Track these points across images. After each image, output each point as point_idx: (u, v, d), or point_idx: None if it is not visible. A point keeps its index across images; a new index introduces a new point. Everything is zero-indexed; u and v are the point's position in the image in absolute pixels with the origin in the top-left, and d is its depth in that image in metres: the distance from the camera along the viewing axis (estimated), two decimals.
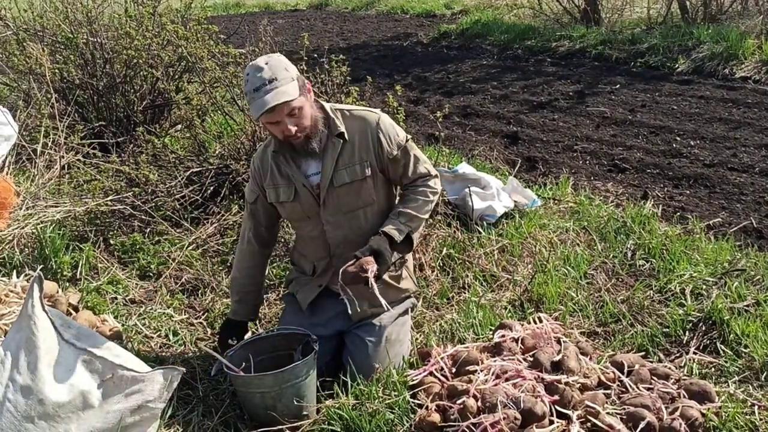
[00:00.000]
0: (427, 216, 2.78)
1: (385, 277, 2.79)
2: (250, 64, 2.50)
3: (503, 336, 2.68)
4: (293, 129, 2.51)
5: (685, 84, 8.05)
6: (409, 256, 2.98)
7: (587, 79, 8.61)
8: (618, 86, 8.17)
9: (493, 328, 2.96)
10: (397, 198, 2.94)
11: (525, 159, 6.22)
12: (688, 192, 5.30)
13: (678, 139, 6.40)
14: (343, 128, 2.67)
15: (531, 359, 2.60)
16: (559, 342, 2.71)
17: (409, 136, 2.82)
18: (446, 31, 12.20)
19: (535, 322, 2.92)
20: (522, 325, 2.81)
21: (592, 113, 7.30)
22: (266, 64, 2.45)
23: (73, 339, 2.26)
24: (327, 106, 2.72)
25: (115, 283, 3.41)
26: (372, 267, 2.54)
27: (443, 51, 11.14)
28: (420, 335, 3.06)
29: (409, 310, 2.96)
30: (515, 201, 4.24)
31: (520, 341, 2.70)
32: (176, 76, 5.56)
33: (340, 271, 2.55)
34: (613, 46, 9.69)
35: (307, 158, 2.68)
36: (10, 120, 4.55)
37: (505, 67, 9.68)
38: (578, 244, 3.89)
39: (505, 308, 3.24)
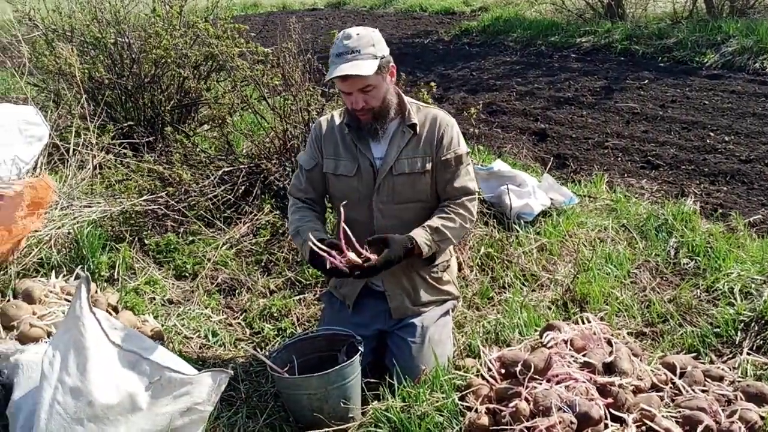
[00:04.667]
0: (456, 242, 2.76)
1: (427, 277, 2.75)
2: (342, 31, 2.52)
3: (552, 338, 2.61)
4: (361, 103, 2.53)
5: (715, 79, 7.91)
6: (453, 261, 2.93)
7: (613, 74, 8.50)
8: (646, 81, 8.05)
9: (538, 328, 2.89)
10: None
11: (555, 156, 6.13)
12: (725, 189, 5.19)
13: (711, 134, 6.29)
14: (416, 120, 2.67)
15: (582, 361, 2.53)
16: (609, 343, 2.64)
17: (469, 151, 2.78)
18: (467, 29, 12.12)
19: (582, 323, 2.85)
20: (569, 325, 2.74)
21: (621, 109, 7.20)
22: (357, 34, 2.47)
23: (120, 340, 2.23)
24: (405, 97, 2.73)
25: (152, 283, 3.39)
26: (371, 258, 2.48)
27: (465, 48, 11.05)
28: (462, 336, 3.00)
29: (450, 311, 2.90)
30: (551, 199, 4.17)
31: (569, 342, 2.63)
32: (204, 75, 5.53)
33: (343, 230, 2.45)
34: (639, 41, 9.56)
35: (374, 140, 2.67)
36: (43, 120, 4.54)
37: (529, 63, 9.58)
38: (618, 243, 3.81)
39: (549, 308, 3.17)
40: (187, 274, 3.56)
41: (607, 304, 3.17)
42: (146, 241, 3.72)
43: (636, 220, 4.07)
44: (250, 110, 4.71)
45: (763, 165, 5.50)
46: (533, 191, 4.08)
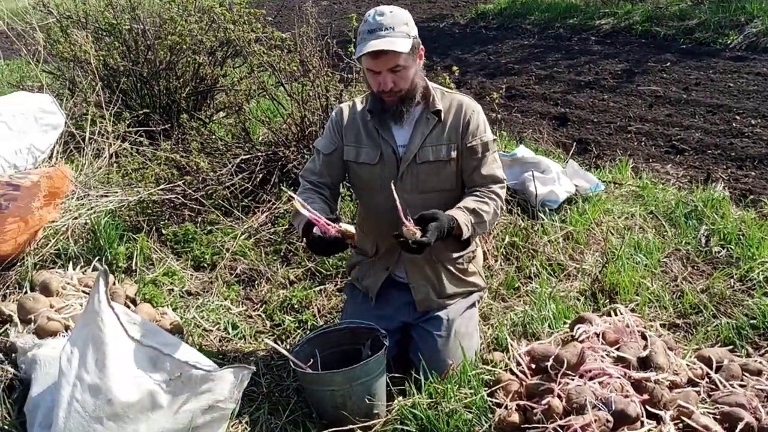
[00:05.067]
0: (489, 228, 2.64)
1: (452, 268, 2.66)
2: (374, 8, 2.41)
3: (584, 331, 2.52)
4: (389, 84, 2.42)
5: (740, 61, 7.71)
6: (479, 251, 2.83)
7: (635, 57, 8.31)
8: (668, 64, 7.87)
9: (567, 320, 2.80)
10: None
11: (576, 141, 6.00)
12: (753, 174, 5.05)
13: (737, 118, 6.13)
14: (440, 106, 2.57)
15: (615, 355, 2.44)
16: (643, 336, 2.55)
17: (496, 138, 2.68)
18: (483, 12, 11.91)
19: (613, 315, 2.76)
20: (601, 317, 2.64)
21: (643, 92, 7.04)
22: (390, 12, 2.38)
23: (139, 336, 2.16)
24: (430, 83, 2.63)
25: (171, 274, 3.32)
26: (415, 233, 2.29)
27: (482, 32, 10.87)
28: (489, 328, 2.91)
29: (476, 302, 2.81)
30: (576, 185, 4.06)
31: (601, 336, 2.54)
32: (220, 61, 5.45)
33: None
34: (660, 23, 9.35)
35: (397, 125, 2.57)
36: (59, 108, 4.48)
37: (548, 46, 9.40)
38: (646, 230, 3.70)
39: (577, 299, 3.08)
40: (205, 265, 3.49)
41: (637, 295, 3.07)
42: (164, 231, 3.65)
43: (664, 207, 3.95)
44: (267, 96, 4.63)
45: None
46: (558, 178, 3.97)
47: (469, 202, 2.53)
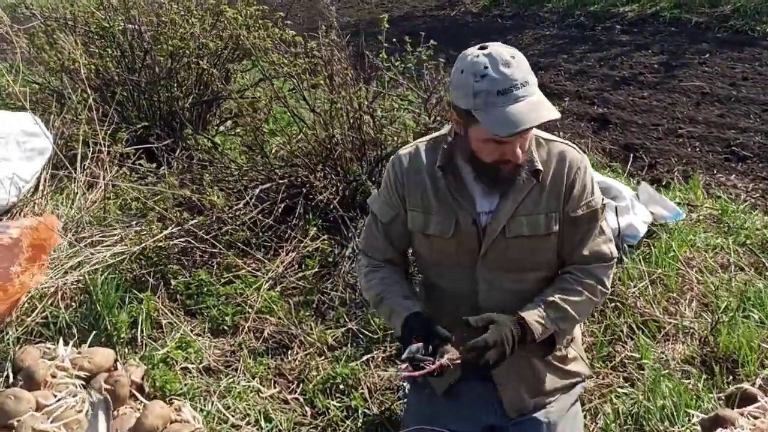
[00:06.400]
0: (583, 320, 2.06)
1: (549, 358, 2.06)
2: (486, 51, 1.73)
3: None
4: (520, 156, 1.81)
5: None
6: (578, 330, 2.23)
7: (669, 47, 7.70)
8: (707, 55, 7.26)
9: (689, 411, 2.22)
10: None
11: (621, 147, 5.42)
12: None
13: None
14: (539, 164, 1.92)
15: None
16: None
17: (606, 203, 2.08)
18: None
19: (744, 400, 2.19)
20: (744, 416, 2.07)
21: (687, 89, 6.44)
22: (513, 57, 1.72)
23: None
24: None
25: (185, 345, 2.73)
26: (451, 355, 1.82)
27: (497, 21, 10.22)
28: (587, 417, 2.33)
29: (579, 396, 2.21)
30: (652, 213, 3.47)
31: None
32: (224, 62, 4.83)
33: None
34: (690, 9, 8.73)
35: (480, 188, 1.93)
36: (44, 130, 3.87)
37: (572, 36, 8.77)
38: (745, 270, 3.12)
39: (688, 374, 2.49)
40: (225, 328, 2.90)
41: (763, 366, 2.49)
42: (173, 283, 3.06)
43: (757, 237, 3.38)
44: (284, 108, 4.01)
45: None
46: (632, 205, 3.38)
47: (550, 291, 1.97)
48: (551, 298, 1.94)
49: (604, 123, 5.90)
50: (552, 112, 1.72)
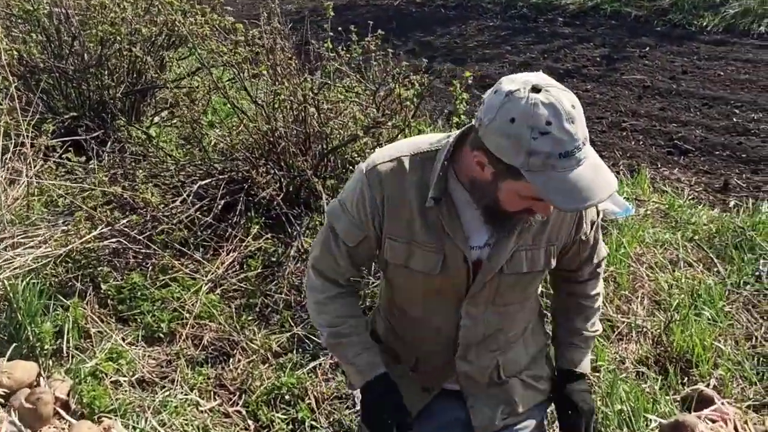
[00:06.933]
0: None
1: (528, 379, 1.92)
2: (545, 100, 1.35)
3: None
4: (551, 211, 1.55)
5: (722, 45, 7.27)
6: (551, 348, 2.10)
7: (611, 40, 7.78)
8: (648, 49, 7.36)
9: (647, 415, 2.16)
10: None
11: None
12: None
13: (737, 111, 5.66)
14: None
15: None
16: None
17: None
18: None
19: (700, 402, 2.14)
20: (703, 421, 2.01)
21: (629, 82, 6.50)
22: (574, 108, 1.37)
23: None
24: None
25: (116, 356, 2.52)
26: None
27: (440, 11, 10.13)
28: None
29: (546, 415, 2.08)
30: (602, 210, 3.42)
31: None
32: (159, 49, 4.57)
33: None
34: (630, 2, 8.85)
35: (477, 221, 1.63)
36: None
37: (515, 28, 8.77)
38: (694, 266, 3.11)
39: (643, 376, 2.44)
40: (161, 335, 2.71)
41: (716, 366, 2.46)
42: (103, 287, 2.84)
43: (704, 233, 3.38)
44: (224, 99, 3.80)
45: None
46: None
47: (579, 325, 1.87)
48: (585, 332, 1.85)
49: None
50: (613, 178, 1.44)
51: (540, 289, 1.94)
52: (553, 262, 1.70)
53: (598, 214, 1.77)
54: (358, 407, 2.19)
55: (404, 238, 1.65)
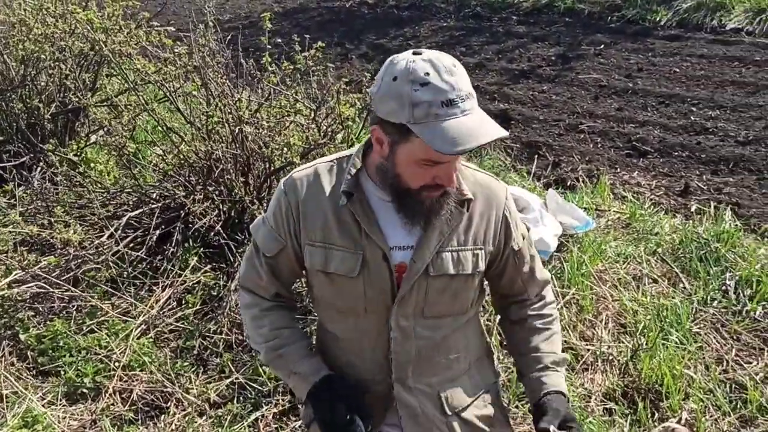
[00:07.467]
0: None
1: (473, 419, 1.76)
2: (425, 57, 1.43)
3: None
4: (454, 179, 1.52)
5: (676, 40, 7.22)
6: (501, 390, 1.94)
7: (566, 39, 7.68)
8: (602, 46, 7.28)
9: None
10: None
11: (524, 145, 5.27)
12: (732, 180, 4.47)
13: (694, 109, 5.58)
14: (470, 193, 1.61)
15: None
16: None
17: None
18: None
19: None
20: None
21: (585, 81, 6.39)
22: (455, 66, 1.42)
23: None
24: None
25: (32, 421, 2.26)
26: None
27: (393, 12, 9.95)
28: None
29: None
30: (562, 223, 3.27)
31: None
32: (90, 69, 4.29)
33: None
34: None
35: (397, 219, 1.59)
36: None
37: (469, 28, 8.62)
38: (659, 282, 2.97)
39: (611, 413, 2.27)
40: (85, 391, 2.45)
41: (687, 397, 2.30)
42: (22, 337, 2.58)
43: (667, 245, 3.24)
44: (153, 119, 3.54)
45: (765, 147, 4.81)
46: (541, 217, 3.16)
47: (545, 345, 1.75)
48: (559, 356, 1.74)
49: (506, 119, 5.74)
50: (500, 130, 1.43)
51: (482, 325, 1.81)
52: (482, 266, 1.65)
53: (531, 244, 1.76)
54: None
55: (321, 243, 1.63)
